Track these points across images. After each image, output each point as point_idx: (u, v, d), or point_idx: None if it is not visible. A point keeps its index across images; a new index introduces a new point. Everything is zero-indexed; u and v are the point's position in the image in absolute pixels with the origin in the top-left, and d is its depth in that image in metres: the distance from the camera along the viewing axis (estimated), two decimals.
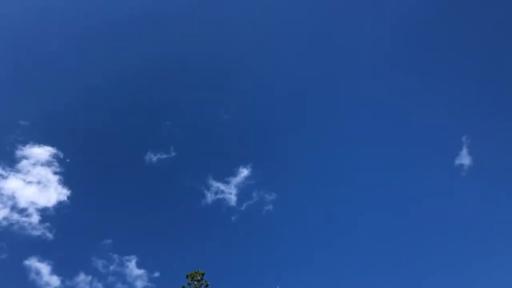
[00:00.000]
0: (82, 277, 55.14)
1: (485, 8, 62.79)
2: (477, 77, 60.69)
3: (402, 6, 67.32)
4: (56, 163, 61.89)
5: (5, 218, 56.13)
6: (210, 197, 62.78)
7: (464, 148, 54.90)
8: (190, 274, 38.19)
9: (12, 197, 57.88)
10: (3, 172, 59.27)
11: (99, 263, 56.40)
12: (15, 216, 56.78)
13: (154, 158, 65.25)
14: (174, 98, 72.88)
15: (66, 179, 60.96)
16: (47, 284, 53.46)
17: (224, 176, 63.59)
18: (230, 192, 62.57)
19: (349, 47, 69.53)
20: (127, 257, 57.40)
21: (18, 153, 61.08)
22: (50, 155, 62.32)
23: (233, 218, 61.70)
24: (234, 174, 63.46)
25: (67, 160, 62.57)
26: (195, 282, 37.81)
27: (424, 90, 62.20)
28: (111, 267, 56.50)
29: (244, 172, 63.40)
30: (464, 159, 54.29)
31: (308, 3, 73.26)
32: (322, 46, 71.86)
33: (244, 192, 62.60)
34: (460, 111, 58.50)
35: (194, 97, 71.98)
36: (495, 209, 53.28)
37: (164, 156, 65.25)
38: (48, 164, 61.75)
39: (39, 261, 54.62)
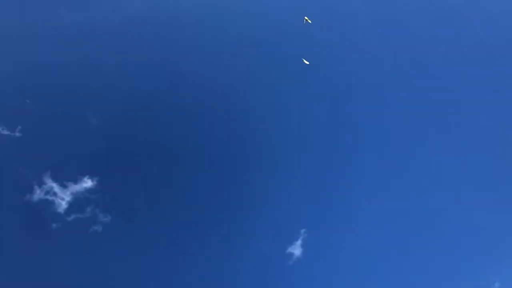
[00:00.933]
0: None
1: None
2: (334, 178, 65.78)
3: None
4: None
5: None
6: (38, 194, 56.07)
7: (300, 240, 58.64)
8: None
9: None
10: None
11: None
12: None
13: None
14: (48, 82, 66.52)
15: None
16: None
17: (64, 179, 57.85)
18: (62, 198, 56.78)
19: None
20: None
21: None
22: None
23: (54, 225, 55.44)
24: (75, 181, 58.23)
25: None
26: None
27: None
28: None
29: (88, 183, 58.64)
30: (296, 249, 58.07)
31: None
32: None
33: (78, 203, 57.26)
34: (306, 206, 62.31)
35: (70, 90, 66.60)
36: None
37: (6, 132, 57.55)
38: None
39: None
